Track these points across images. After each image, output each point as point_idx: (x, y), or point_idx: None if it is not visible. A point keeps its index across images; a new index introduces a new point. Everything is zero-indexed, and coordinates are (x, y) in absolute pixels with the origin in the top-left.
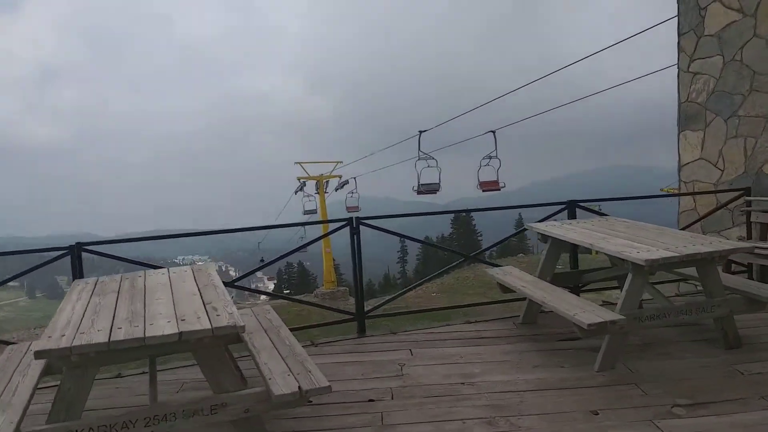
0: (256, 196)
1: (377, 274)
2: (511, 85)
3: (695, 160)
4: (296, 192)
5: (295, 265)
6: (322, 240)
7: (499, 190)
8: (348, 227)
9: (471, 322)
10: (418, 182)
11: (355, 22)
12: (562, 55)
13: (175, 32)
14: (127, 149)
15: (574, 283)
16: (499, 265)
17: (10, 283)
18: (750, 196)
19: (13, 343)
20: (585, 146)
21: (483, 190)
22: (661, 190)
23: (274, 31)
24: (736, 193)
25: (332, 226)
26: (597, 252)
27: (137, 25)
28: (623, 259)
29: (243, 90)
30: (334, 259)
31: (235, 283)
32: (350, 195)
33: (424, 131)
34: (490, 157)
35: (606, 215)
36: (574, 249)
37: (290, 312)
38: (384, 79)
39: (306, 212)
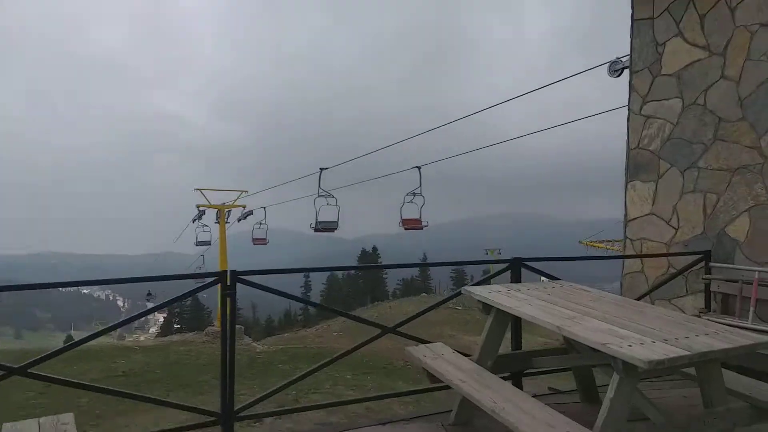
0: (151, 220)
1: (278, 309)
2: (424, 126)
3: (644, 216)
4: (194, 220)
5: (189, 298)
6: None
7: (422, 228)
8: (220, 285)
9: (384, 424)
10: (316, 219)
11: (270, 51)
12: (479, 103)
13: (85, 40)
14: (21, 160)
15: (519, 368)
16: (424, 341)
17: None
18: (710, 260)
19: None
20: (491, 192)
21: (405, 228)
22: (580, 242)
23: (186, 49)
24: (695, 258)
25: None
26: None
27: (44, 28)
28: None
29: (148, 108)
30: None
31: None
32: (257, 226)
33: (325, 169)
34: (414, 194)
35: (558, 279)
36: (516, 320)
37: (178, 352)
38: (295, 111)
39: (199, 243)
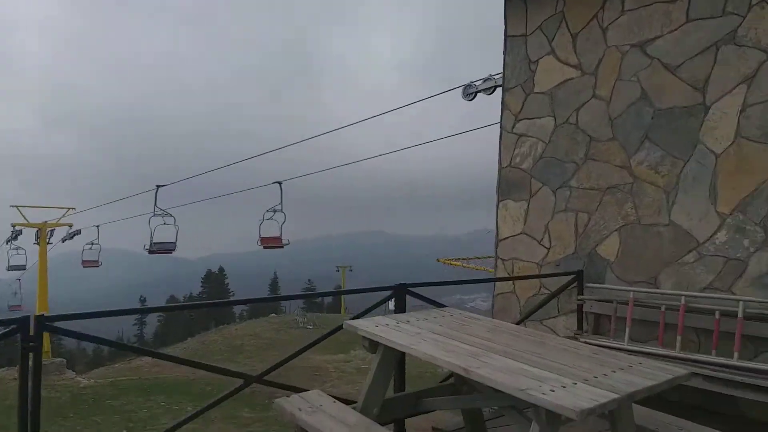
0: None
1: (109, 334)
2: (266, 147)
3: (516, 235)
4: (7, 241)
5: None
6: (37, 299)
7: (282, 246)
8: (20, 335)
9: None
10: (151, 240)
11: (103, 57)
12: (335, 121)
13: None
14: None
15: (407, 413)
16: (297, 389)
17: None
18: (582, 280)
19: None
20: (341, 210)
21: (264, 246)
22: (438, 260)
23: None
24: (568, 278)
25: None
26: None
27: None
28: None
29: None
30: None
31: None
32: (88, 247)
33: (162, 186)
34: (275, 211)
35: (443, 305)
36: (401, 356)
37: None
38: (133, 123)
39: (11, 268)
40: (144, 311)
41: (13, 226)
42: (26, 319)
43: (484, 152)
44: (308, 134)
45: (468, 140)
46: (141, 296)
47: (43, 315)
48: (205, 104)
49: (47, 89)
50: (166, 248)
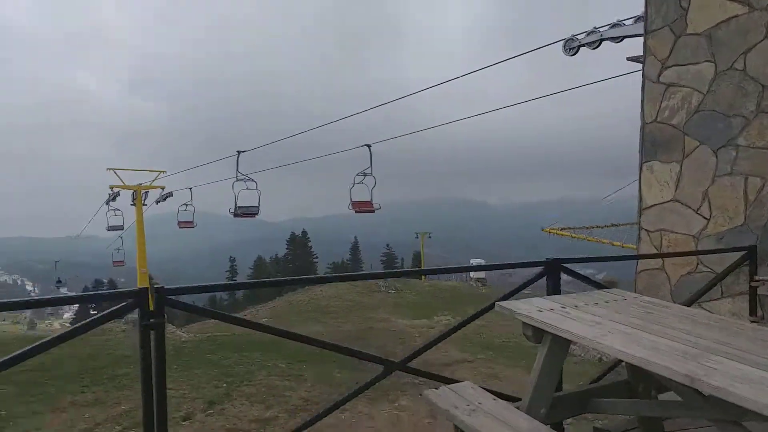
0: (68, 203)
1: (205, 294)
2: (345, 110)
3: (665, 202)
4: (107, 203)
5: (105, 283)
6: (137, 257)
7: (373, 211)
8: (138, 311)
9: None
10: (236, 204)
11: (185, 29)
12: (407, 88)
13: None
14: None
15: (574, 412)
16: (445, 379)
17: None
18: (755, 258)
19: None
20: (418, 176)
21: (356, 211)
22: (543, 230)
23: (94, 22)
24: (737, 255)
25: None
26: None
27: None
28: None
29: (55, 84)
30: (151, 278)
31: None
32: (183, 208)
33: (243, 152)
34: (365, 174)
35: (606, 287)
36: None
37: (94, 343)
38: (216, 89)
39: (110, 228)
40: (255, 285)
41: (111, 188)
42: (144, 292)
43: (571, 113)
44: (387, 98)
45: (556, 102)
46: (230, 256)
47: (163, 287)
48: (282, 65)
49: (135, 57)
50: (250, 212)
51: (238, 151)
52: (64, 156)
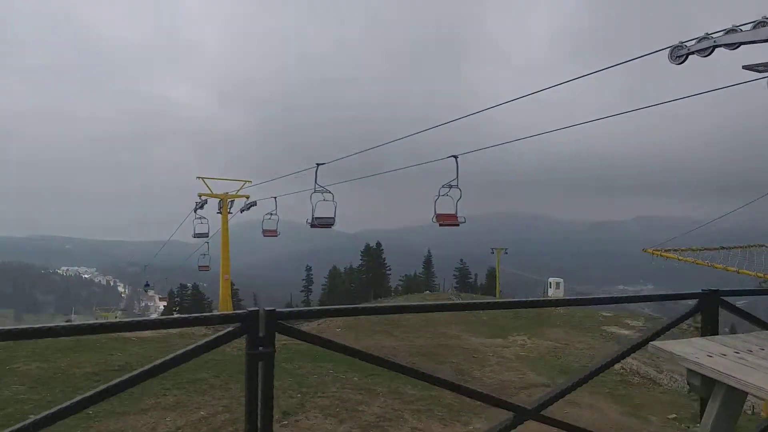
0: (155, 208)
1: (280, 300)
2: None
3: None
4: (195, 210)
5: (189, 287)
6: (221, 264)
7: (458, 225)
8: (246, 337)
9: None
10: (313, 215)
11: (265, 44)
12: (482, 100)
13: (78, 31)
14: (19, 148)
15: None
16: None
17: None
18: None
19: None
20: (487, 190)
21: (440, 224)
22: (644, 251)
23: (185, 42)
24: None
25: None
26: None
27: (36, 20)
28: None
29: (147, 97)
30: (233, 284)
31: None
32: (268, 217)
33: (322, 164)
34: (450, 186)
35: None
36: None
37: (177, 346)
38: (302, 101)
39: (196, 235)
40: (358, 312)
41: (200, 196)
42: (254, 315)
43: (652, 129)
44: (462, 113)
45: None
46: (307, 265)
47: (274, 311)
48: (360, 88)
49: (221, 71)
50: (326, 223)
51: (317, 164)
52: (156, 163)
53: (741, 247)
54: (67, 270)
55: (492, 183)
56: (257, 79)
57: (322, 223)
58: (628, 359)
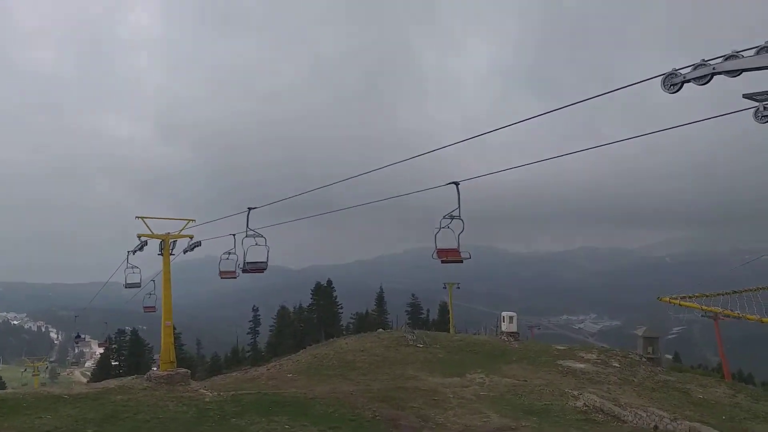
0: (93, 249)
1: (226, 343)
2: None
3: None
4: (134, 251)
5: (128, 331)
6: (161, 308)
7: (461, 261)
8: None
9: None
10: (244, 260)
11: (204, 74)
12: (426, 136)
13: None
14: None
15: None
16: None
17: None
18: None
19: None
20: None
21: (442, 261)
22: (661, 299)
23: (123, 70)
24: None
25: None
26: None
27: None
28: None
29: (80, 132)
30: (175, 328)
31: None
32: (225, 257)
33: (254, 208)
34: (452, 217)
35: None
36: None
37: (114, 403)
38: (239, 136)
39: (128, 285)
40: None
41: (139, 237)
42: None
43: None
44: (409, 152)
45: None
46: (254, 305)
47: None
48: (303, 126)
49: (160, 104)
50: (258, 267)
51: (249, 208)
52: (90, 203)
53: (751, 290)
54: None
55: (437, 215)
56: (201, 116)
57: (254, 268)
58: (590, 395)
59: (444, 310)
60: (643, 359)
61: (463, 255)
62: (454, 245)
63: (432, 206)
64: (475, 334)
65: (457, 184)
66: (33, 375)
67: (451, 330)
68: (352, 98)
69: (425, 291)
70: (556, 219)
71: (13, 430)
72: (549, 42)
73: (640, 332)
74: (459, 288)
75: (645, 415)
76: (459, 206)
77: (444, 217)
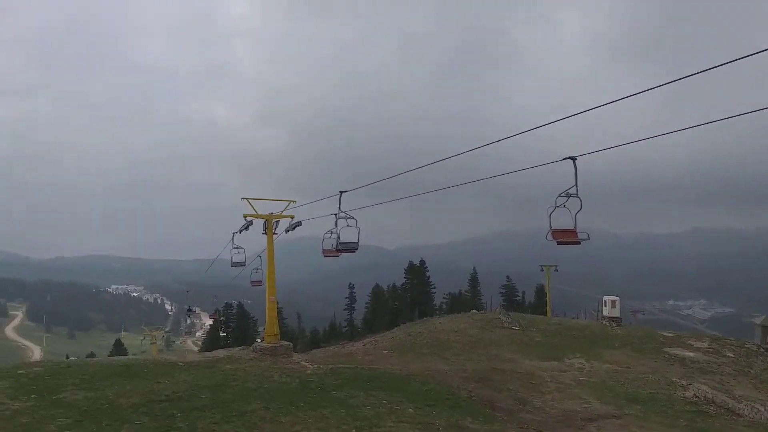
0: (199, 229)
1: (324, 318)
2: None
3: None
4: (241, 230)
5: (235, 305)
6: (266, 283)
7: (579, 243)
8: None
9: None
10: (337, 241)
11: (301, 60)
12: (527, 114)
13: (127, 61)
14: (65, 170)
15: None
16: None
17: None
18: None
19: None
20: (527, 205)
21: (557, 242)
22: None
23: (224, 58)
24: None
25: None
26: None
27: (89, 51)
28: None
29: (190, 119)
30: (278, 303)
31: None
32: (328, 235)
33: (345, 192)
34: (569, 195)
35: None
36: None
37: (225, 372)
38: (336, 117)
39: (234, 264)
40: None
41: (245, 217)
42: None
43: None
44: (495, 133)
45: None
46: (350, 283)
47: None
48: (386, 91)
49: (261, 91)
50: (350, 248)
51: (340, 192)
52: (200, 185)
53: None
54: (117, 289)
55: (531, 197)
56: (299, 97)
57: (346, 248)
58: (701, 385)
59: (541, 292)
60: (762, 349)
61: (581, 236)
62: (570, 225)
63: (523, 186)
64: (573, 318)
65: (574, 159)
66: (151, 343)
67: (548, 313)
68: (444, 75)
69: (523, 274)
70: (664, 198)
71: (136, 393)
72: (644, 7)
73: (758, 320)
74: (557, 270)
75: (763, 410)
76: (576, 183)
77: (560, 195)
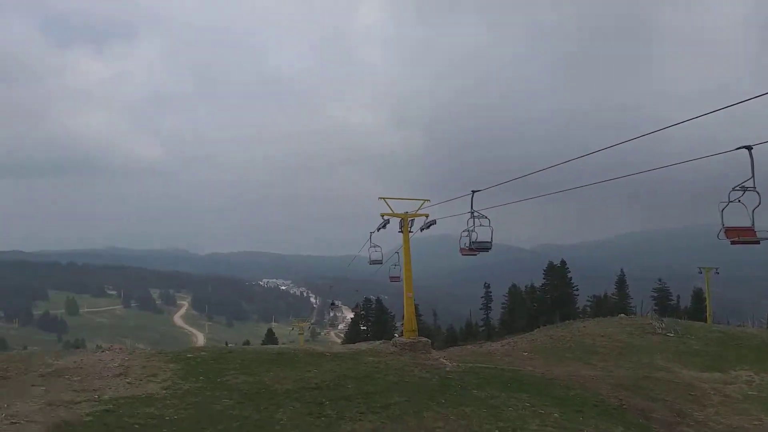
0: (335, 226)
1: (458, 316)
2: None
3: None
4: (378, 229)
5: (374, 300)
6: (402, 280)
7: (758, 242)
8: None
9: None
10: (470, 240)
11: (432, 62)
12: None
13: (267, 66)
14: (213, 171)
15: None
16: None
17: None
18: None
19: None
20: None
21: (732, 242)
22: None
23: (357, 65)
24: None
25: None
26: None
27: (233, 59)
28: None
29: (326, 122)
30: (415, 300)
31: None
32: (465, 234)
33: (477, 191)
34: (744, 189)
35: None
36: None
37: (368, 365)
38: (467, 117)
39: (372, 262)
40: None
41: (383, 216)
42: None
43: None
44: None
45: None
46: (485, 282)
47: None
48: (514, 90)
49: (394, 96)
50: (483, 247)
51: (472, 191)
52: (340, 184)
53: None
54: (267, 282)
55: (682, 191)
56: (431, 99)
57: (479, 248)
58: None
59: (699, 297)
60: None
61: (760, 235)
62: (749, 223)
63: (668, 181)
64: (738, 326)
65: (749, 148)
66: (299, 334)
67: (708, 320)
68: (575, 66)
69: (676, 276)
70: None
71: (289, 380)
72: None
73: None
74: (718, 273)
75: None
76: (753, 176)
77: (734, 189)
